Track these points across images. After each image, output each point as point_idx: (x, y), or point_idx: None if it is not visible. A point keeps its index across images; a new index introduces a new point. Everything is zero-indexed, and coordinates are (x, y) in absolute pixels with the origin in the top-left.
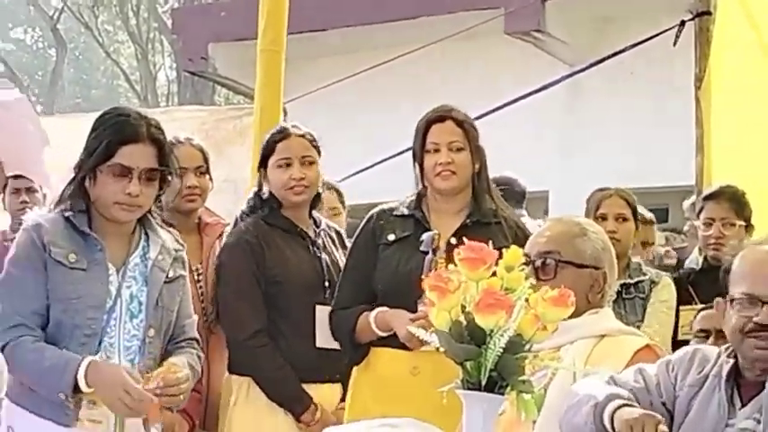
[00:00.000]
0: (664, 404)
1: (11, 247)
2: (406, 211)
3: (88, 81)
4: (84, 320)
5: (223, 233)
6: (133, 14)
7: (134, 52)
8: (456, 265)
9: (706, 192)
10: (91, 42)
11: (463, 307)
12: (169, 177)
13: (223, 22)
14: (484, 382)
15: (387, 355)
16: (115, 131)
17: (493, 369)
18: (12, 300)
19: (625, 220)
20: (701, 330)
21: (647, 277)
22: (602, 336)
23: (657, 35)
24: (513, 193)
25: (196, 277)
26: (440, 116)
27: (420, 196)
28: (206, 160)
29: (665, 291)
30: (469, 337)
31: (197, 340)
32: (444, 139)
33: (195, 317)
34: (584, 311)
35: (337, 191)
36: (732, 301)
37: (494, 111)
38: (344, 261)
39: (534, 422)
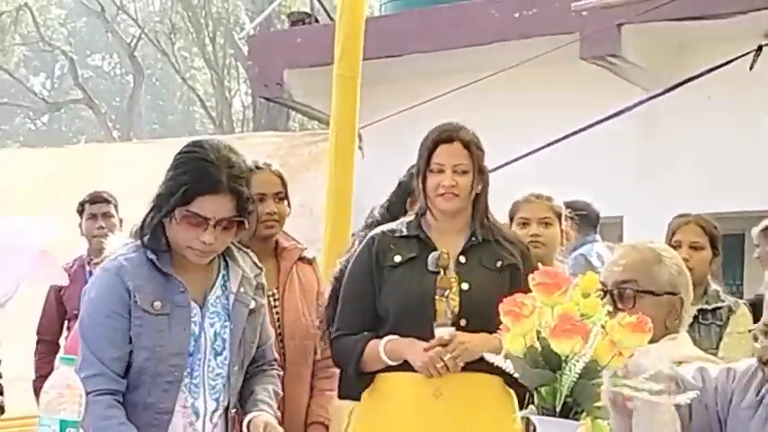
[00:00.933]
0: (718, 413)
1: (90, 279)
2: (407, 232)
3: (164, 107)
4: (167, 368)
5: (301, 258)
6: (209, 41)
7: (210, 79)
8: (466, 284)
9: None
10: (167, 69)
11: (538, 332)
12: (246, 225)
13: (298, 48)
14: (559, 408)
15: (406, 380)
16: (194, 179)
17: (568, 395)
18: (93, 345)
19: (700, 248)
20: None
21: (725, 304)
22: (679, 363)
23: (734, 60)
24: (588, 218)
25: (272, 302)
26: (448, 136)
27: (418, 216)
28: (284, 186)
29: (743, 320)
30: (544, 363)
31: (276, 360)
32: (450, 161)
33: (273, 336)
34: (662, 337)
35: None
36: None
37: (569, 136)
38: (343, 285)
39: None
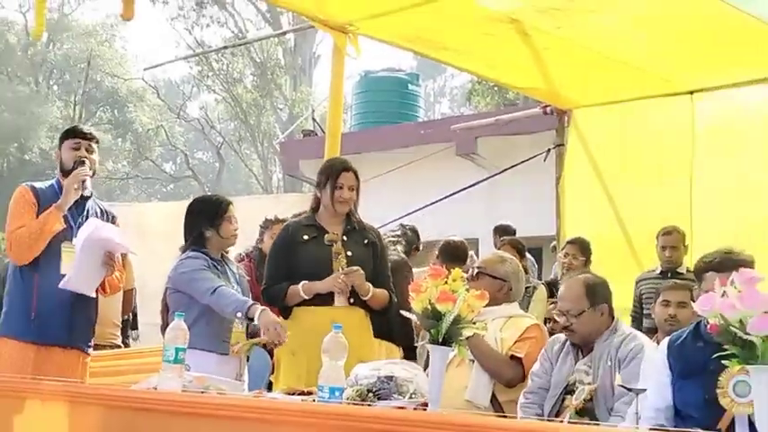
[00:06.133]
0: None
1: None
2: (307, 222)
3: (243, 179)
4: None
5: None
6: (260, 144)
7: (260, 165)
8: (349, 252)
9: (568, 238)
10: (240, 164)
11: (429, 300)
12: None
13: (307, 149)
14: (440, 340)
15: (310, 312)
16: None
17: (445, 333)
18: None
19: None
20: (549, 319)
21: (531, 284)
22: (510, 317)
23: (537, 156)
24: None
25: None
26: (347, 167)
27: (312, 212)
28: None
29: (541, 293)
30: (432, 316)
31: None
32: (348, 182)
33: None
34: (502, 303)
35: None
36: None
37: (449, 196)
38: (270, 255)
39: (472, 361)
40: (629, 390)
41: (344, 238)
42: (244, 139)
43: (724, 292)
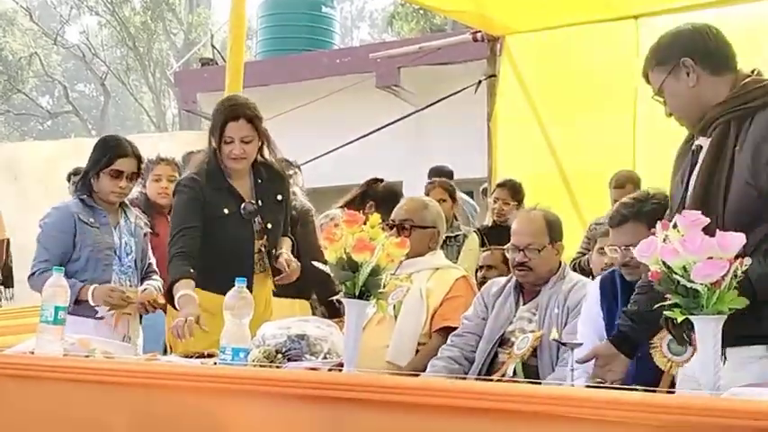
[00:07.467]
0: (484, 319)
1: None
2: (216, 185)
3: (126, 116)
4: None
5: None
6: (151, 75)
7: (152, 99)
8: (269, 224)
9: (498, 181)
10: (127, 94)
11: (344, 249)
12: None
13: (206, 80)
14: (357, 293)
15: (204, 296)
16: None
17: (362, 286)
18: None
19: (443, 201)
20: (482, 266)
21: (461, 232)
22: (437, 268)
23: (466, 88)
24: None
25: None
26: (235, 115)
27: (220, 168)
28: (179, 172)
29: (472, 241)
30: (348, 267)
31: (156, 272)
32: (237, 134)
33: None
34: (426, 253)
35: None
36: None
37: (369, 134)
38: (174, 217)
39: (396, 318)
40: (564, 344)
41: (259, 202)
42: (132, 68)
43: (666, 236)
